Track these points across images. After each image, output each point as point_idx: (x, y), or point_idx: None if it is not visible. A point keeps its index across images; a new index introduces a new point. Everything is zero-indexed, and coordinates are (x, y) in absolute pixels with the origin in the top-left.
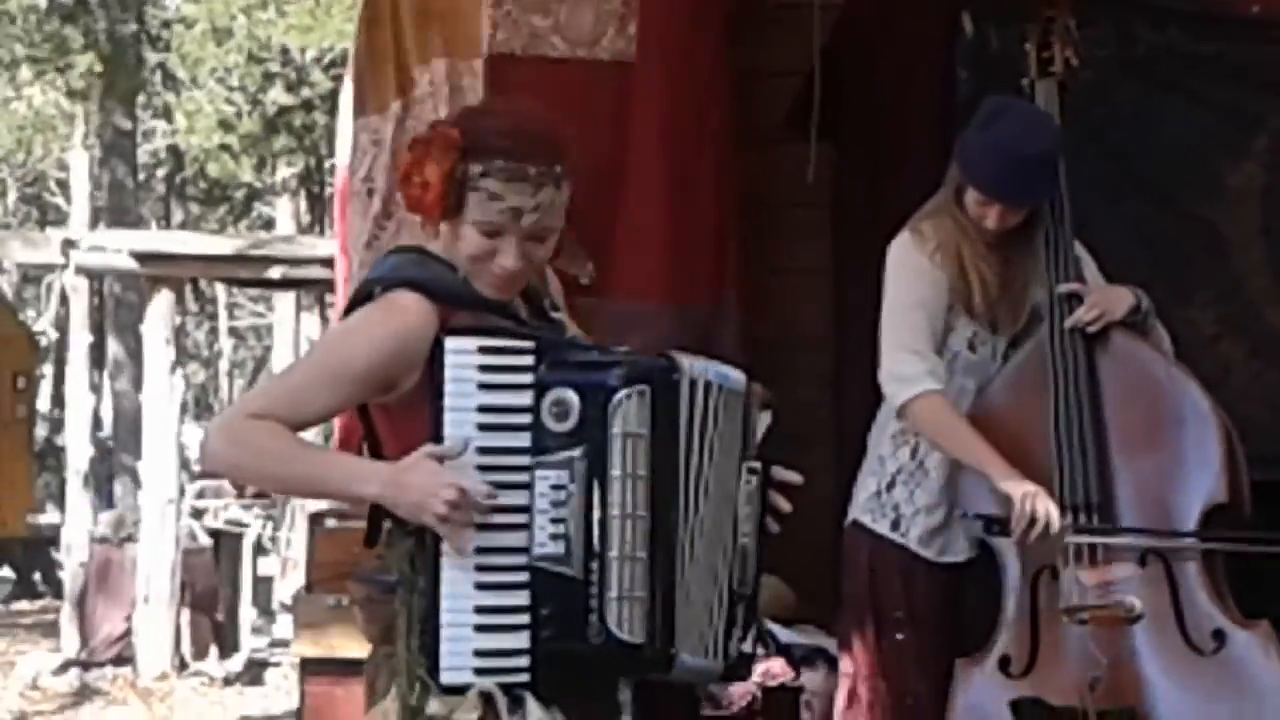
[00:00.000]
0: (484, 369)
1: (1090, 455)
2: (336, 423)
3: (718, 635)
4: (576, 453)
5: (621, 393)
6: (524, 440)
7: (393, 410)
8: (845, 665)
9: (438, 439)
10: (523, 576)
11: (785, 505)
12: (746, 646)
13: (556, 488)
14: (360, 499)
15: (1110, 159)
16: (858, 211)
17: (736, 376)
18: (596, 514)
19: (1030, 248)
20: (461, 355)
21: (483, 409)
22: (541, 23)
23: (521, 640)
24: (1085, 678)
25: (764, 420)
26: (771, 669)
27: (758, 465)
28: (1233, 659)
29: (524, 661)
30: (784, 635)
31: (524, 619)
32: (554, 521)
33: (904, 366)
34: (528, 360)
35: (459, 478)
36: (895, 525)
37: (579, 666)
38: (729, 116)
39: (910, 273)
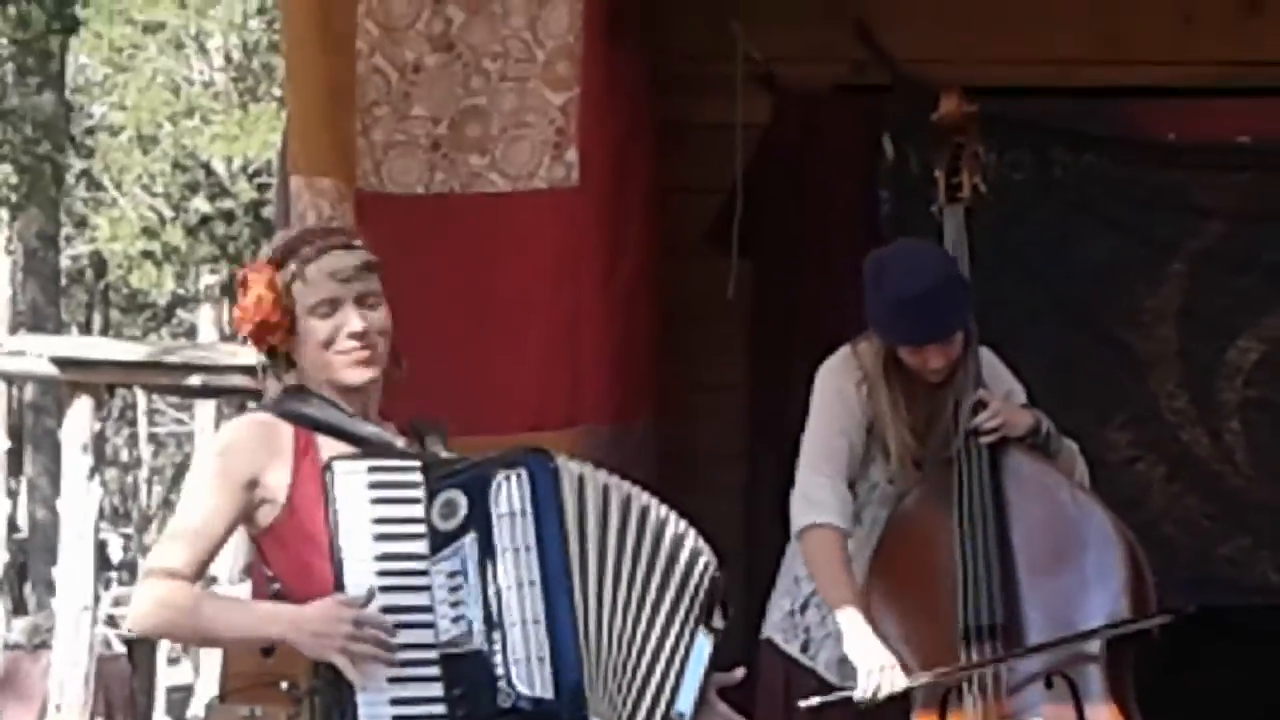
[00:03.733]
0: (374, 486)
1: (995, 577)
2: None
3: (638, 707)
4: (466, 539)
5: (500, 475)
6: (420, 546)
7: (273, 531)
8: None
9: (337, 559)
10: (433, 669)
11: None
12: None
13: (452, 575)
14: (271, 641)
15: (1030, 281)
16: (775, 328)
17: (652, 503)
18: (491, 589)
19: (964, 376)
20: (352, 476)
21: (377, 521)
22: (479, 161)
23: None
24: None
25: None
26: None
27: (712, 635)
28: None
29: None
30: None
31: (440, 707)
32: (453, 606)
33: (814, 491)
34: (415, 475)
35: (356, 612)
36: (805, 648)
37: None
38: (656, 233)
39: (836, 396)
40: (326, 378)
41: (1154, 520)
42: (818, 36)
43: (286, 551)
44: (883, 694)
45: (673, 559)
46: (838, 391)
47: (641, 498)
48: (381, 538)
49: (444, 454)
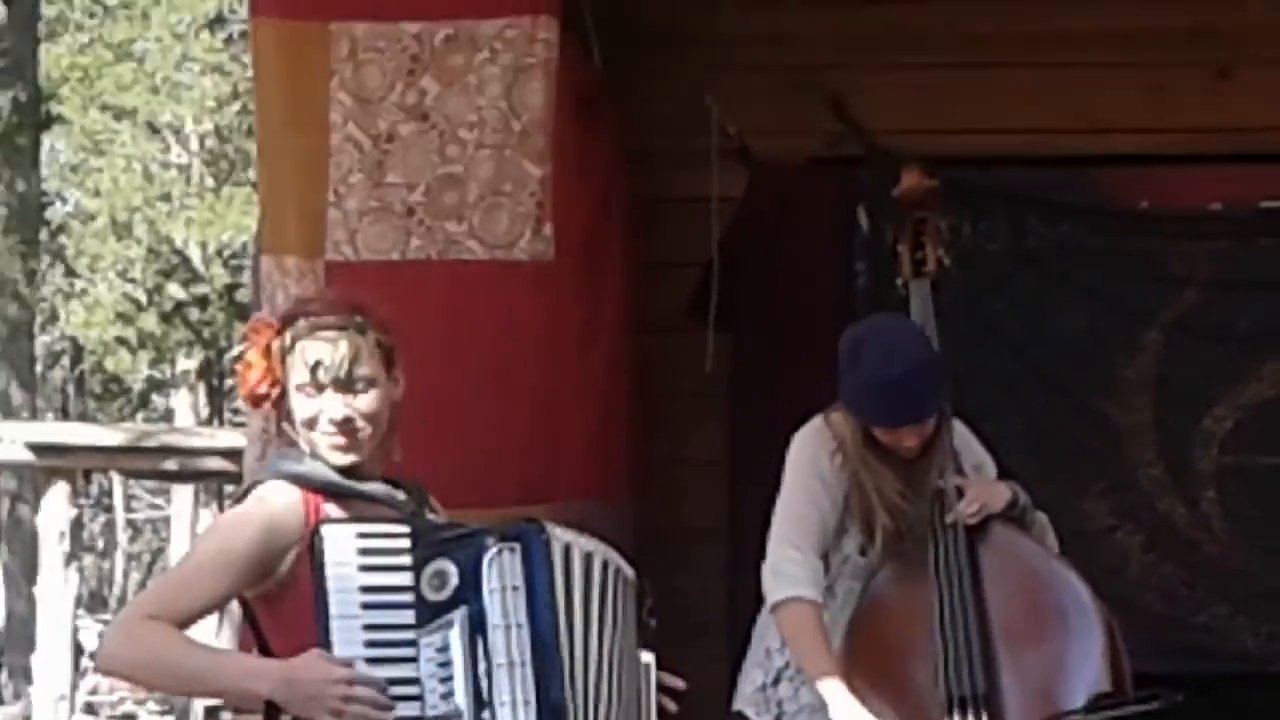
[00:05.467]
0: (363, 552)
1: (974, 647)
2: None
3: None
4: (457, 614)
5: (493, 550)
6: (408, 617)
7: (271, 597)
8: None
9: (324, 623)
10: None
11: (671, 706)
12: None
13: (441, 649)
14: (253, 697)
15: (1006, 351)
16: (754, 401)
17: (619, 559)
18: (482, 666)
19: (938, 449)
20: (341, 541)
21: (365, 589)
22: (456, 228)
23: None
24: None
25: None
26: None
27: (650, 655)
28: None
29: None
30: None
31: None
32: (442, 682)
33: (787, 565)
34: (404, 543)
35: (350, 672)
36: None
37: None
38: (633, 307)
39: (809, 467)
40: (312, 453)
41: (1132, 589)
42: (791, 109)
43: (280, 614)
44: None
45: (631, 606)
46: (811, 463)
47: (609, 556)
48: (369, 606)
49: (434, 517)
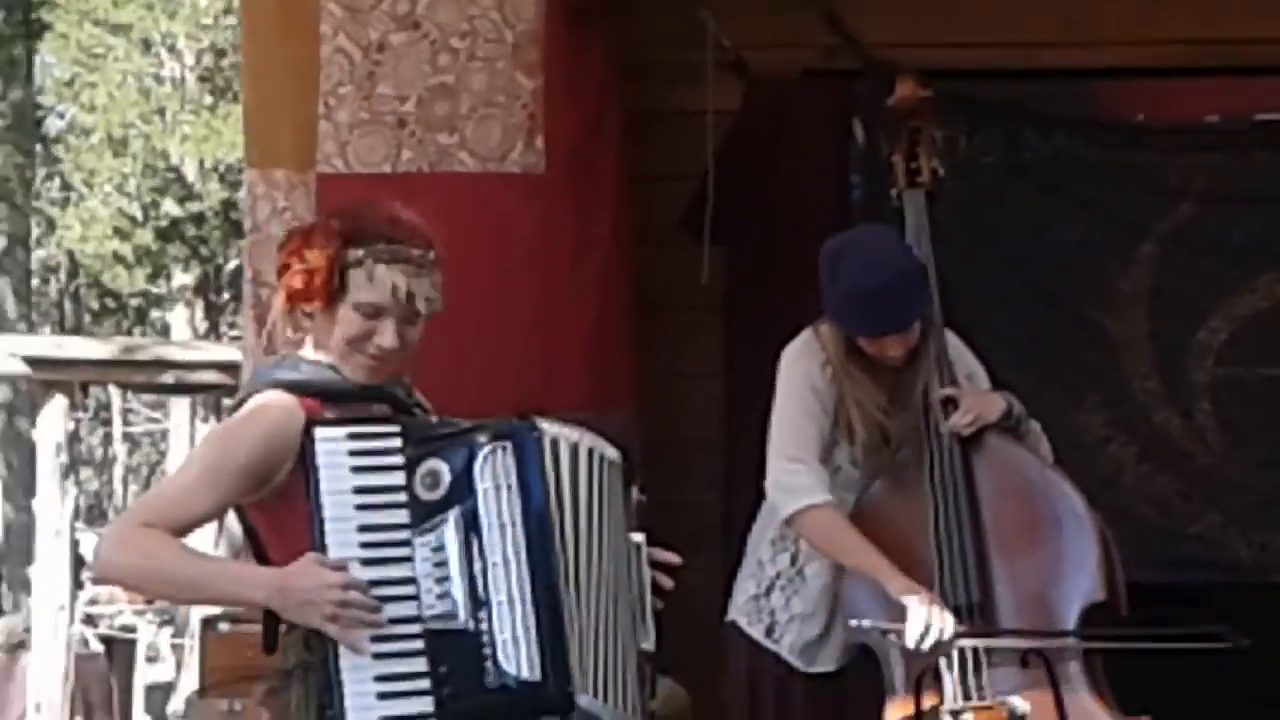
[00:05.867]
0: (355, 454)
1: (970, 557)
2: None
3: (625, 686)
4: (451, 514)
5: (485, 449)
6: (402, 516)
7: (268, 505)
8: None
9: (319, 524)
10: (418, 644)
11: (667, 582)
12: (654, 705)
13: (436, 549)
14: (248, 604)
15: (1001, 263)
16: (750, 314)
17: (608, 448)
18: (477, 565)
19: (924, 358)
20: (332, 443)
21: (358, 490)
22: (448, 140)
23: (426, 704)
24: None
25: (633, 494)
26: None
27: (641, 536)
28: None
29: None
30: None
31: (425, 683)
32: (439, 582)
33: (791, 477)
34: (395, 443)
35: (344, 576)
36: (769, 631)
37: (485, 718)
38: (627, 221)
39: (801, 379)
40: (336, 360)
41: (1127, 500)
42: (787, 23)
43: (288, 517)
44: (946, 634)
45: (619, 490)
46: (803, 375)
47: (595, 443)
48: (363, 507)
49: (425, 416)
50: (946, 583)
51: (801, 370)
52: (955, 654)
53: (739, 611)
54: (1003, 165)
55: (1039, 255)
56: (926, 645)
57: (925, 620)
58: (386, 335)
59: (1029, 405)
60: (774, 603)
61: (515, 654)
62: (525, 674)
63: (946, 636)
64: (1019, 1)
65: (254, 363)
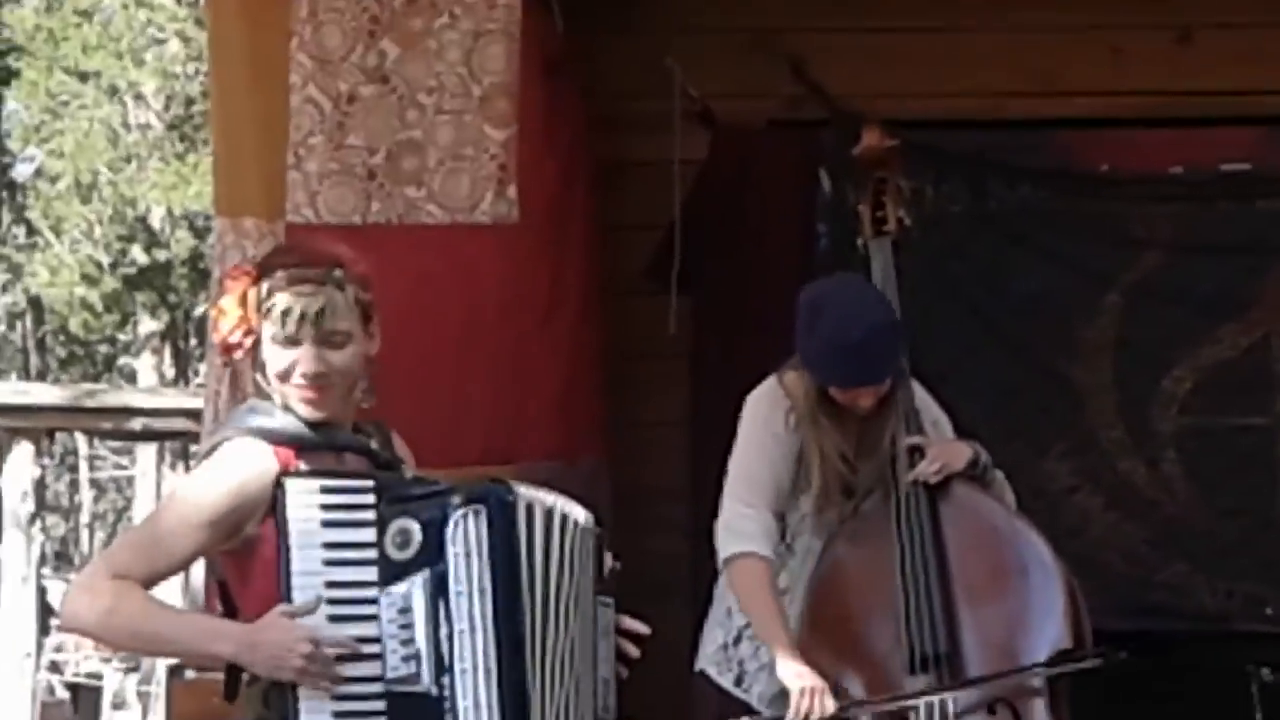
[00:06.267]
0: (326, 508)
1: (936, 605)
2: None
3: None
4: (419, 575)
5: (458, 513)
6: (370, 574)
7: (239, 555)
8: None
9: (286, 576)
10: (379, 705)
11: (634, 651)
12: None
13: (403, 611)
14: (216, 659)
15: (967, 312)
16: (716, 363)
17: (581, 511)
18: (443, 630)
19: (892, 406)
20: (303, 495)
21: (327, 545)
22: (415, 193)
23: None
24: None
25: (607, 559)
26: None
27: (610, 601)
28: None
29: None
30: None
31: None
32: (404, 644)
33: (738, 521)
34: (368, 499)
35: (312, 632)
36: (739, 681)
37: None
38: (598, 270)
39: (763, 427)
40: (283, 404)
41: (1093, 548)
42: (753, 73)
43: (246, 571)
44: (814, 718)
45: (591, 557)
46: (765, 422)
47: (568, 509)
48: (331, 563)
49: (403, 468)
50: (913, 632)
51: (763, 417)
52: (922, 705)
53: (708, 661)
54: (968, 215)
55: (1004, 305)
56: None
57: (801, 708)
58: (307, 361)
59: (994, 454)
60: (743, 652)
61: None
62: None
63: (826, 716)
64: (985, 52)
65: (214, 409)
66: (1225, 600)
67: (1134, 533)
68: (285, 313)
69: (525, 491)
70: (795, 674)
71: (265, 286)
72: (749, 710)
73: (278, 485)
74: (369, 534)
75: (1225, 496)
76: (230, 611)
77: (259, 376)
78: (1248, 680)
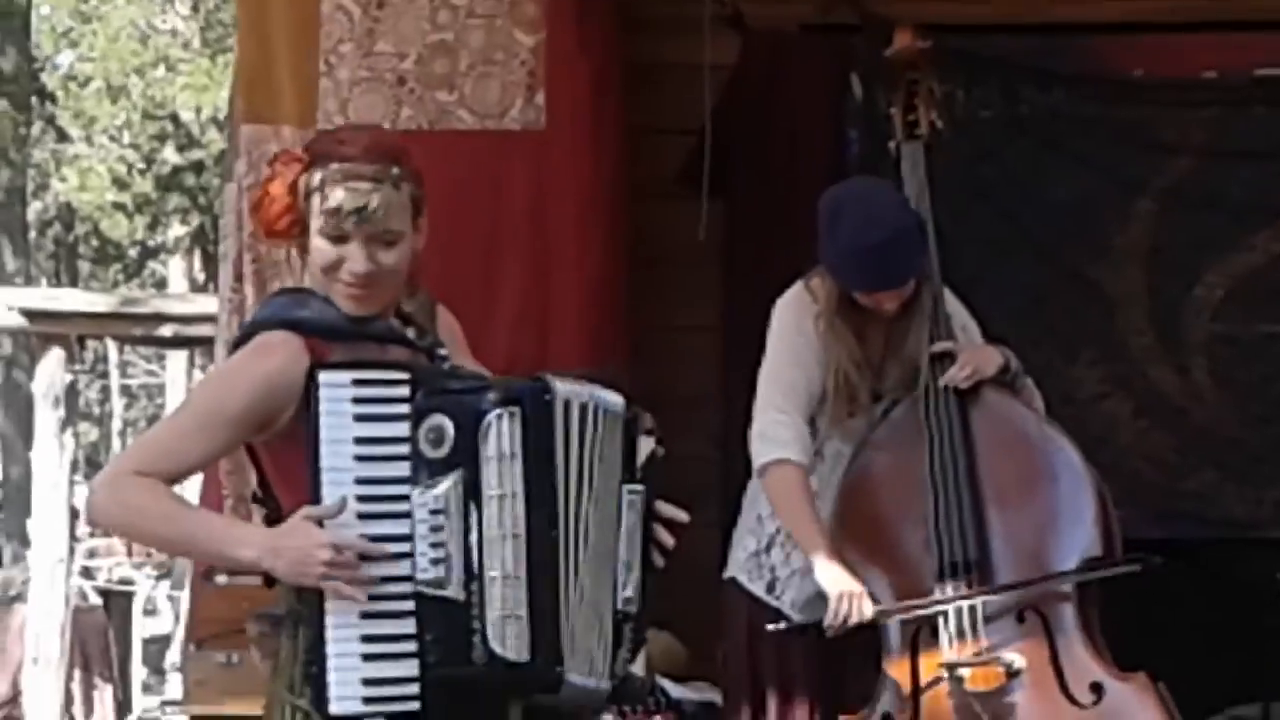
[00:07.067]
0: (359, 400)
1: (966, 513)
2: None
3: (605, 655)
4: (452, 477)
5: (493, 414)
6: (402, 469)
7: (274, 446)
8: None
9: (315, 473)
10: (408, 605)
11: (669, 540)
12: (635, 668)
13: (435, 512)
14: (237, 563)
15: (999, 218)
16: (747, 269)
17: (614, 399)
18: (474, 536)
19: (918, 308)
20: (336, 388)
21: (359, 440)
22: (447, 98)
23: (409, 668)
24: None
25: (648, 445)
26: None
27: (640, 488)
28: (1111, 711)
29: (413, 690)
30: (675, 691)
31: (410, 646)
32: (434, 546)
33: (772, 428)
34: (403, 391)
35: (335, 536)
36: (770, 588)
37: (466, 690)
38: (626, 176)
39: (793, 332)
40: (327, 294)
41: (1122, 456)
42: None
43: (292, 458)
44: (852, 621)
45: (619, 443)
46: (795, 327)
47: (601, 400)
48: (363, 458)
49: (442, 352)
50: (943, 539)
51: (792, 322)
52: (951, 610)
53: (738, 568)
54: (1001, 120)
55: (1036, 211)
56: (845, 629)
57: (843, 614)
58: (356, 259)
59: (1024, 360)
60: (774, 559)
61: (504, 634)
62: (513, 655)
63: (865, 620)
64: None
65: (228, 313)
66: (1254, 507)
67: (1163, 440)
68: (337, 209)
69: (563, 386)
70: (833, 579)
71: (319, 176)
72: (780, 617)
73: (309, 377)
74: (403, 428)
75: (1255, 404)
76: (272, 507)
77: (303, 262)
78: (1276, 586)
